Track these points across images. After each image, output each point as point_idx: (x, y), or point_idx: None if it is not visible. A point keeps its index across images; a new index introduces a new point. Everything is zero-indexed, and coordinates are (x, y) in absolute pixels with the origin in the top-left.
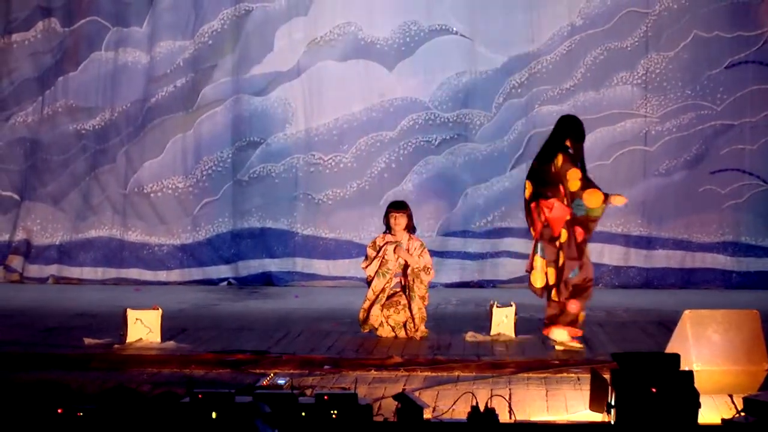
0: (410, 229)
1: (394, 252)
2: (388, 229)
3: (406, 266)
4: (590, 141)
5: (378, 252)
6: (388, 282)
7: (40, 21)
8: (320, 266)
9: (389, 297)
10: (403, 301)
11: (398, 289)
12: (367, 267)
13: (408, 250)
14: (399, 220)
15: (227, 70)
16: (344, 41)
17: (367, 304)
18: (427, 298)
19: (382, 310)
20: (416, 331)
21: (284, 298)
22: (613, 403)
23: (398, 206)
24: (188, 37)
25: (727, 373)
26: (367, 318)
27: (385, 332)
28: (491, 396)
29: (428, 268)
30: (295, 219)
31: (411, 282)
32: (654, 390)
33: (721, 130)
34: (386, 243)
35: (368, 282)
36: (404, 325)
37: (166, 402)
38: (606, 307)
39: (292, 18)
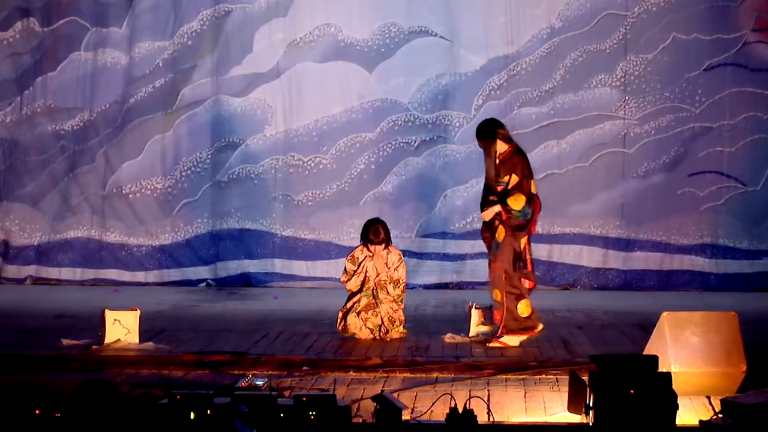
0: (388, 243)
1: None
2: (367, 240)
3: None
4: (569, 143)
5: (358, 268)
6: (365, 293)
7: (18, 21)
8: (299, 267)
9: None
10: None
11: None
12: (347, 282)
13: (386, 264)
14: (378, 249)
15: (207, 71)
16: (324, 42)
17: (341, 314)
18: (402, 301)
19: (358, 315)
20: (386, 333)
21: (263, 300)
22: (591, 404)
23: (376, 234)
24: (167, 38)
25: (705, 375)
26: (345, 327)
27: (364, 335)
28: (470, 397)
29: (398, 281)
30: (274, 220)
31: (377, 290)
32: (632, 391)
33: (699, 133)
34: (365, 258)
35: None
36: (380, 327)
37: (145, 403)
38: (584, 309)
39: (272, 19)
